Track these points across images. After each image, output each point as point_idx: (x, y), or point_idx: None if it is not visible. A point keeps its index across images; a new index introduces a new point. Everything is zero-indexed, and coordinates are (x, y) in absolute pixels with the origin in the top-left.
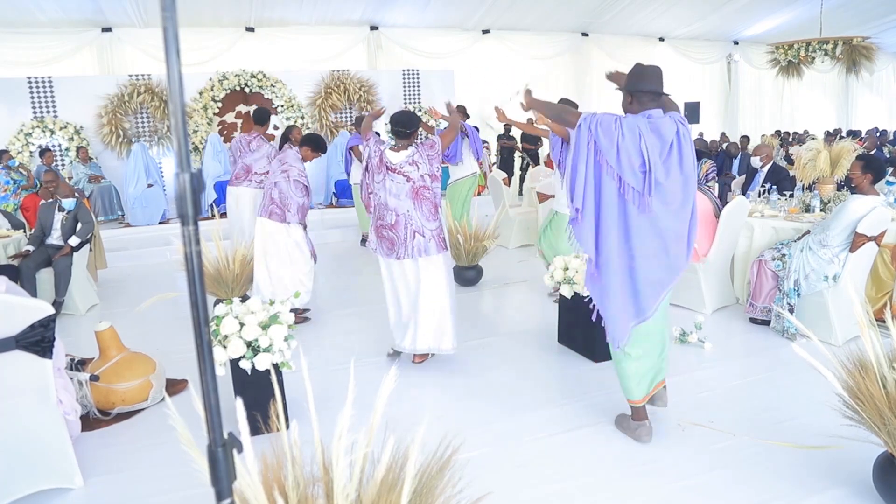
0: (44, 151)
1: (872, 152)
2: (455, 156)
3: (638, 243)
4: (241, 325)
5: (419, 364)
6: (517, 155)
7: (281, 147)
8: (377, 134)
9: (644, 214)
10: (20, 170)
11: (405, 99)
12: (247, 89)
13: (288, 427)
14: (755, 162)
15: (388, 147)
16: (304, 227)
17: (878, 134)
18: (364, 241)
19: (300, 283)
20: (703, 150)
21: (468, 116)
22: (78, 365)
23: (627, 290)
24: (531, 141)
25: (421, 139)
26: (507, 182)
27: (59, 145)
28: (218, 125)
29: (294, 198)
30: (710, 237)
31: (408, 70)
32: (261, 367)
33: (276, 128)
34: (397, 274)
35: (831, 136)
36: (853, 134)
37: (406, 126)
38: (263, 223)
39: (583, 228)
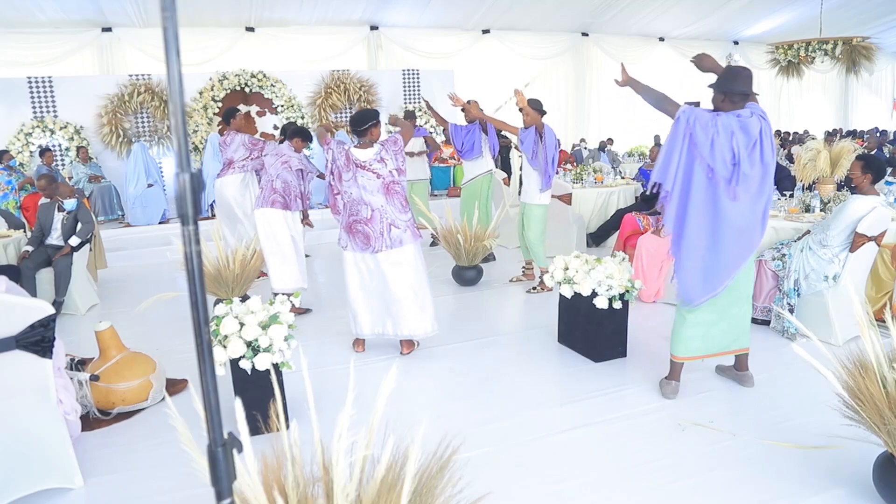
0: (44, 151)
1: (873, 152)
2: (471, 150)
3: (725, 226)
4: (241, 325)
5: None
6: (515, 154)
7: (282, 142)
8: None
9: (732, 201)
10: (20, 169)
11: (405, 99)
12: (247, 89)
13: (288, 427)
14: None
15: (352, 146)
16: (305, 217)
17: (878, 134)
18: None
19: (297, 278)
20: None
21: (480, 110)
22: (78, 365)
23: (707, 267)
24: None
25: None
26: (507, 181)
27: (59, 145)
28: (218, 125)
29: (298, 187)
30: None
31: (408, 70)
32: (261, 367)
33: (275, 127)
34: (370, 267)
35: (831, 136)
36: (853, 134)
37: (360, 124)
38: (265, 213)
39: (669, 207)
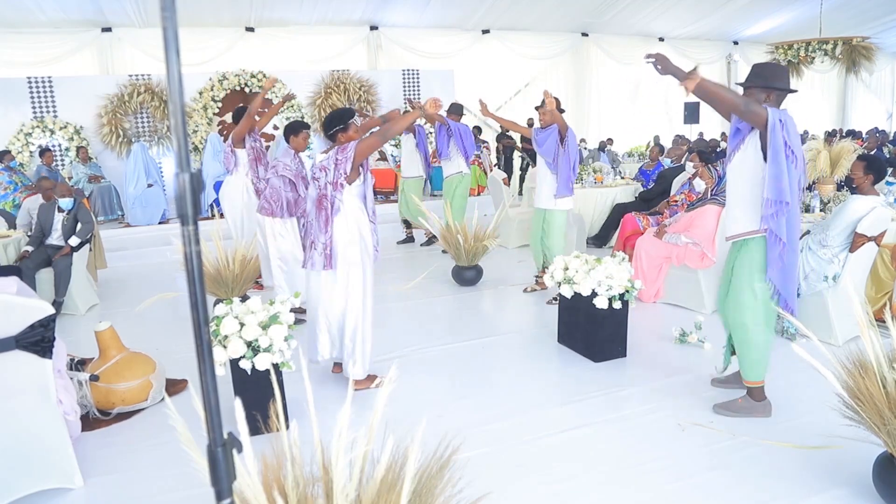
0: (44, 151)
1: (873, 152)
2: (442, 153)
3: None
4: (241, 325)
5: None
6: (517, 155)
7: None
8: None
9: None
10: (20, 170)
11: (405, 99)
12: (247, 89)
13: (288, 427)
14: None
15: (321, 151)
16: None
17: (878, 134)
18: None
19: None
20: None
21: (461, 115)
22: (78, 365)
23: (797, 266)
24: (531, 141)
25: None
26: (507, 182)
27: (59, 145)
28: (218, 125)
29: (282, 193)
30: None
31: (408, 70)
32: (261, 367)
33: (275, 127)
34: (314, 282)
35: (831, 137)
36: (853, 134)
37: (325, 128)
38: (259, 220)
39: (783, 218)
